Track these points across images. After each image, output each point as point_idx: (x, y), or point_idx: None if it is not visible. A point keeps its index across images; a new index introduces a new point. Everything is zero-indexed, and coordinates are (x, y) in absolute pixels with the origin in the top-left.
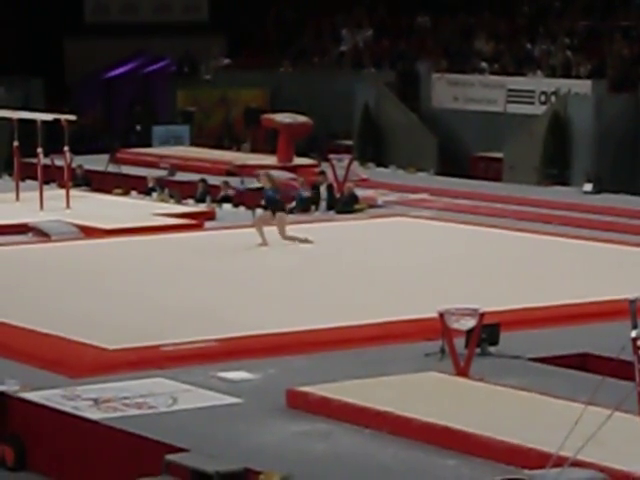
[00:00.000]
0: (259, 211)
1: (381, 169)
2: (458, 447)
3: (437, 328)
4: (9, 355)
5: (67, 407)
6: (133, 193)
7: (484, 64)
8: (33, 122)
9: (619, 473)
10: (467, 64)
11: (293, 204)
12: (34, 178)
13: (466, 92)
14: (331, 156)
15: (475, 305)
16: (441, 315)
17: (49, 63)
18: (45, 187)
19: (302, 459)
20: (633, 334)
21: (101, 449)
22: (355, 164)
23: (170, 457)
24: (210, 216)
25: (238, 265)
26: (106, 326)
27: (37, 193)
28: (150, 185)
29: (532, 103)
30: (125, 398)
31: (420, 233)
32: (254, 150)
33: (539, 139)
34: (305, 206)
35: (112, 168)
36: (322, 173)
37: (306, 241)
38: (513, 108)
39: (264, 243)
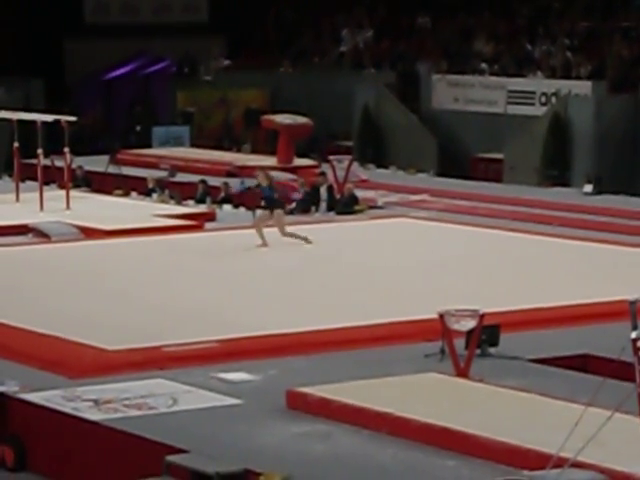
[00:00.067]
0: (259, 212)
1: (381, 170)
2: (458, 448)
3: (437, 329)
4: (9, 356)
5: (67, 408)
6: (133, 194)
7: (484, 65)
8: (33, 123)
9: (619, 474)
10: (467, 65)
11: (293, 205)
12: (34, 179)
13: (466, 93)
14: (331, 157)
15: (475, 306)
16: (441, 316)
17: (49, 64)
18: (45, 188)
19: (302, 460)
20: (633, 335)
21: (101, 450)
22: (355, 165)
23: (170, 458)
24: (210, 217)
25: (238, 266)
26: (106, 327)
27: (37, 194)
28: (150, 186)
29: (532, 104)
30: (125, 399)
31: (420, 234)
32: (254, 151)
33: (539, 140)
34: (305, 206)
35: (112, 169)
36: (322, 174)
37: (306, 240)
38: (513, 109)
39: (264, 244)
